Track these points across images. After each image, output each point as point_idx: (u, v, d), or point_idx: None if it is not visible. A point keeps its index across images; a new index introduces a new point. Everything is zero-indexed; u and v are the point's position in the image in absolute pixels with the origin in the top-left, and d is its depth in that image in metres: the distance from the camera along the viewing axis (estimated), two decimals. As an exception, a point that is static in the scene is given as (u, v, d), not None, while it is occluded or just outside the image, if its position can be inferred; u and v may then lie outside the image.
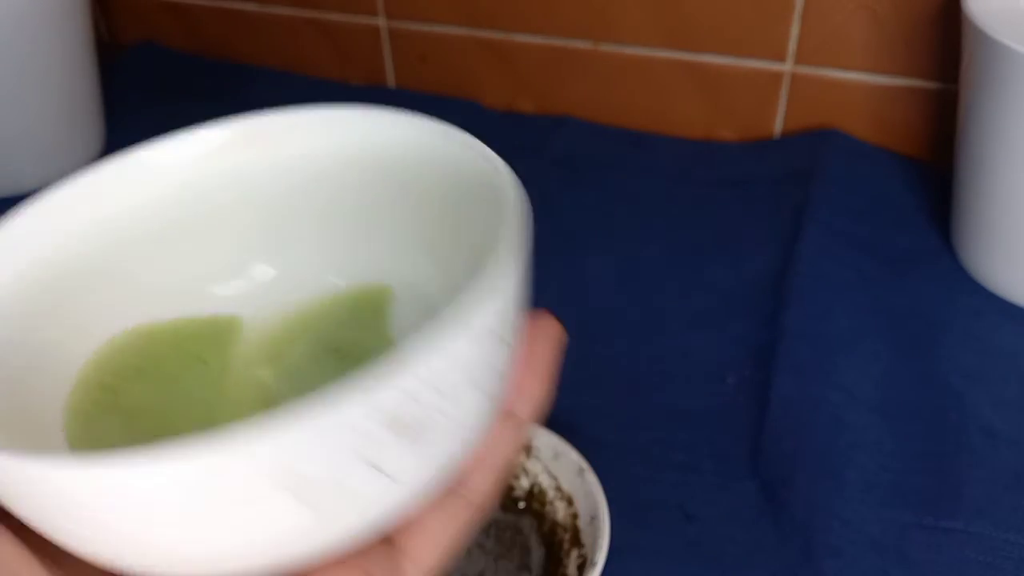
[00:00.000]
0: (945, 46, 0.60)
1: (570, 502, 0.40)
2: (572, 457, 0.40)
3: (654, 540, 0.41)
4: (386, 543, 0.23)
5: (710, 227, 0.60)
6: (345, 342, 0.27)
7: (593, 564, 0.36)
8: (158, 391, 0.26)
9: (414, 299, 0.28)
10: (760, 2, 0.63)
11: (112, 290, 0.26)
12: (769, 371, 0.48)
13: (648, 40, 0.67)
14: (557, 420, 0.44)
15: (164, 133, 0.27)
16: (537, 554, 0.40)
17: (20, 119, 0.61)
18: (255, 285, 0.28)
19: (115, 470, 0.17)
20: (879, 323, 0.51)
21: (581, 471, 0.39)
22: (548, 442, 0.41)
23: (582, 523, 0.39)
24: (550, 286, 0.56)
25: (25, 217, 0.24)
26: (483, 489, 0.24)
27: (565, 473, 0.40)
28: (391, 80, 0.76)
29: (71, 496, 0.17)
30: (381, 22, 0.73)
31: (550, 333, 0.25)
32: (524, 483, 0.42)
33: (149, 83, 0.76)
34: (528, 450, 0.41)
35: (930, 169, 0.63)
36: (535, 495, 0.41)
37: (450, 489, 0.23)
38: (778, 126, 0.68)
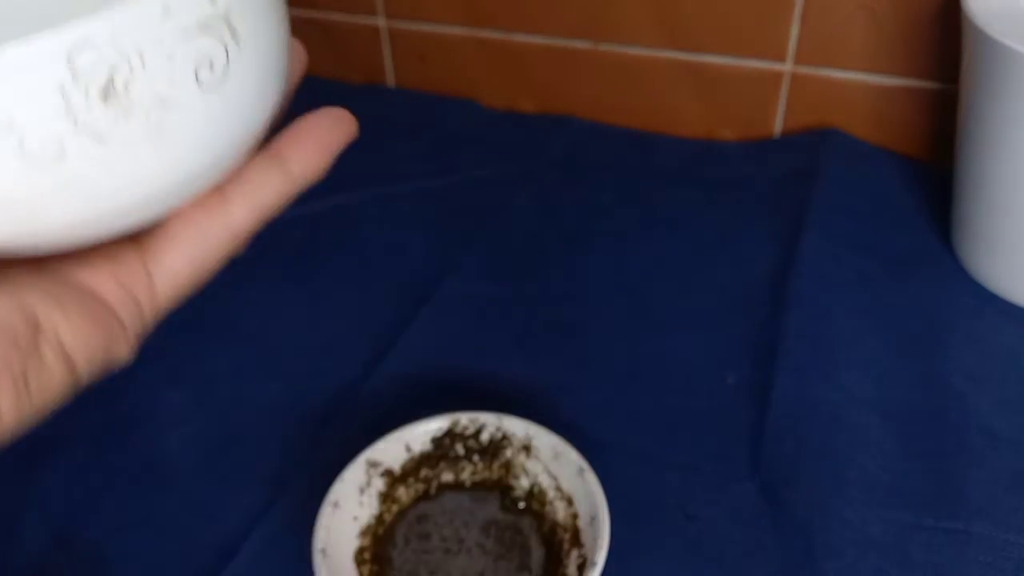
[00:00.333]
0: (945, 46, 0.60)
1: (570, 502, 0.40)
2: (572, 457, 0.39)
3: (654, 540, 0.41)
4: (136, 247, 0.24)
5: (710, 227, 0.60)
6: None
7: (593, 564, 0.35)
8: None
9: None
10: (760, 2, 0.62)
11: None
12: (769, 371, 0.48)
13: (648, 40, 0.67)
14: (557, 420, 0.44)
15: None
16: (537, 554, 0.40)
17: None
18: None
19: None
20: (879, 323, 0.51)
21: (581, 471, 0.39)
22: (548, 442, 0.40)
23: (582, 523, 0.39)
24: (550, 286, 0.56)
25: None
26: (240, 221, 0.26)
27: (565, 473, 0.40)
28: (391, 80, 0.76)
29: None
30: (381, 22, 0.73)
31: (341, 118, 0.27)
32: (524, 483, 0.42)
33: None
34: (528, 450, 0.41)
35: (930, 169, 0.63)
36: (535, 495, 0.41)
37: (205, 206, 0.25)
38: (778, 126, 0.68)
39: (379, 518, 0.40)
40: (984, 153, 0.50)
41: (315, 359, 0.51)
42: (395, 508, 0.41)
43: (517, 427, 0.41)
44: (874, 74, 0.63)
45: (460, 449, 0.42)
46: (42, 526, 0.42)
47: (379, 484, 0.41)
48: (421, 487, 0.42)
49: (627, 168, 0.66)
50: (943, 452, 0.44)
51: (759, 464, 0.44)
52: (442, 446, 0.42)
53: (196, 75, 0.21)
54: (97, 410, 0.47)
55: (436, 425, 0.42)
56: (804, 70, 0.65)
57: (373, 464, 0.40)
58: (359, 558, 0.39)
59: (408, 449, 0.41)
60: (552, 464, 0.40)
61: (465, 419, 0.42)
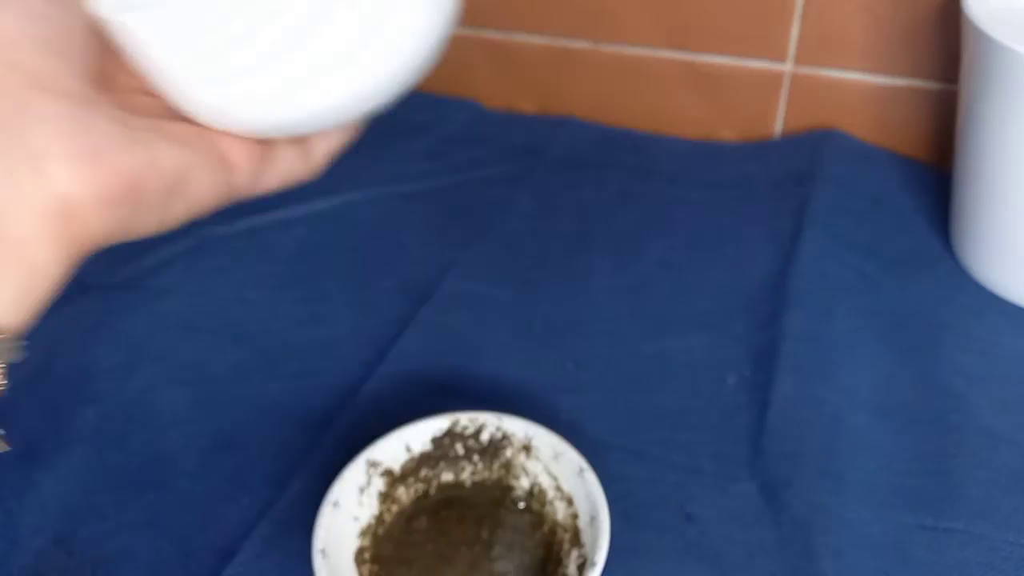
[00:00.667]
0: (945, 46, 0.60)
1: (570, 502, 0.40)
2: (572, 457, 0.39)
3: (654, 540, 0.41)
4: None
5: (710, 227, 0.60)
6: None
7: (593, 564, 0.35)
8: None
9: None
10: (760, 2, 0.62)
11: None
12: (769, 372, 0.48)
13: (648, 40, 0.67)
14: (557, 420, 0.44)
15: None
16: (537, 554, 0.40)
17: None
18: None
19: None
20: (879, 324, 0.51)
21: (581, 471, 0.39)
22: (548, 442, 0.40)
23: (582, 523, 0.39)
24: (551, 286, 0.56)
25: None
26: (263, 183, 0.32)
27: (565, 473, 0.40)
28: (391, 80, 0.76)
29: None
30: (381, 22, 0.73)
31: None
32: (524, 483, 0.42)
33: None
34: (528, 450, 0.41)
35: (930, 169, 0.63)
36: (535, 495, 0.41)
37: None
38: (778, 126, 0.68)
39: (379, 518, 0.40)
40: (984, 153, 0.50)
41: (315, 359, 0.51)
42: (395, 508, 0.41)
43: (517, 427, 0.41)
44: (874, 74, 0.63)
45: (460, 449, 0.42)
46: (42, 526, 0.42)
47: (379, 484, 0.41)
48: (421, 487, 0.42)
49: (627, 168, 0.66)
50: (943, 452, 0.44)
51: (759, 464, 0.44)
52: (442, 446, 0.42)
53: None
54: (97, 410, 0.47)
55: (436, 425, 0.42)
56: (804, 70, 0.65)
57: (373, 464, 0.40)
58: (359, 558, 0.39)
59: (408, 449, 0.41)
60: (552, 464, 0.41)
61: (465, 419, 0.42)
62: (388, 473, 0.41)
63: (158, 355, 0.51)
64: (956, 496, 0.42)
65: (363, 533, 0.40)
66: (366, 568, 0.39)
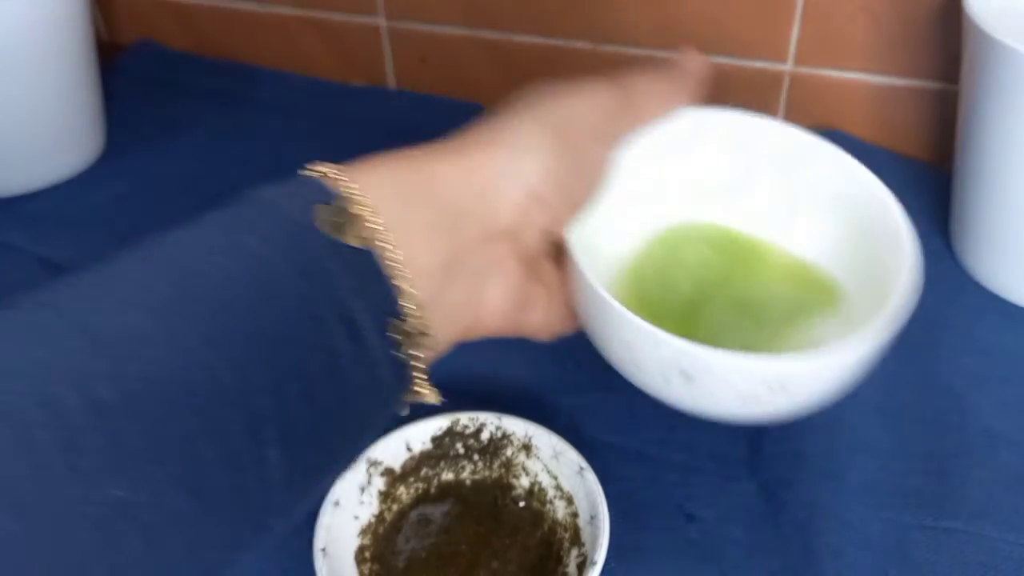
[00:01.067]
0: (945, 46, 0.60)
1: (570, 501, 0.40)
2: (572, 456, 0.40)
3: (654, 540, 0.41)
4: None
5: (710, 227, 0.60)
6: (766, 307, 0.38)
7: (593, 563, 0.36)
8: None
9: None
10: (760, 2, 0.62)
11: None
12: (769, 371, 0.48)
13: (648, 40, 0.67)
14: (557, 420, 0.44)
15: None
16: (537, 553, 0.40)
17: (20, 119, 0.61)
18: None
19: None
20: (879, 323, 0.51)
21: (581, 470, 0.39)
22: (548, 441, 0.41)
23: (582, 522, 0.39)
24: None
25: None
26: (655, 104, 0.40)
27: (565, 472, 0.40)
28: (391, 80, 0.76)
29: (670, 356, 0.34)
30: (381, 22, 0.73)
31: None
32: (524, 482, 0.42)
33: (148, 83, 0.76)
34: (528, 449, 0.41)
35: (930, 169, 0.63)
36: (535, 494, 0.41)
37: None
38: (778, 126, 0.68)
39: (379, 517, 0.40)
40: (984, 153, 0.50)
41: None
42: (395, 507, 0.41)
43: (517, 426, 0.41)
44: (874, 74, 0.63)
45: (460, 448, 0.42)
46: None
47: (379, 483, 0.41)
48: (421, 486, 0.42)
49: (627, 168, 0.66)
50: (943, 452, 0.44)
51: (759, 464, 0.44)
52: (442, 445, 0.42)
53: None
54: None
55: (436, 424, 0.42)
56: (804, 70, 0.65)
57: (373, 463, 0.40)
58: (359, 557, 0.39)
59: (408, 448, 0.41)
60: (552, 463, 0.41)
61: (465, 418, 0.42)
62: (389, 472, 0.41)
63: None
64: (956, 496, 0.42)
65: (364, 532, 0.40)
66: (366, 567, 0.39)
